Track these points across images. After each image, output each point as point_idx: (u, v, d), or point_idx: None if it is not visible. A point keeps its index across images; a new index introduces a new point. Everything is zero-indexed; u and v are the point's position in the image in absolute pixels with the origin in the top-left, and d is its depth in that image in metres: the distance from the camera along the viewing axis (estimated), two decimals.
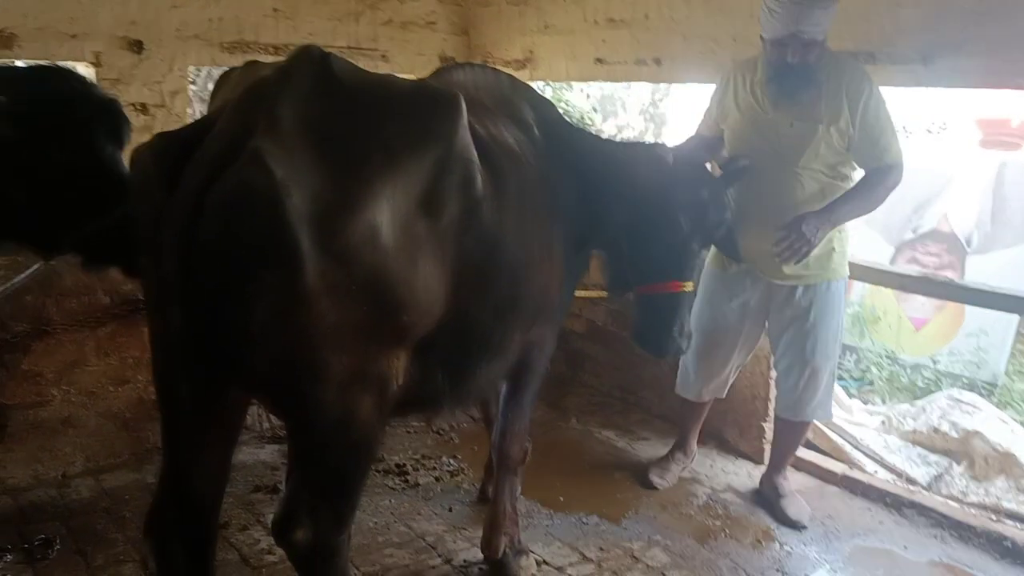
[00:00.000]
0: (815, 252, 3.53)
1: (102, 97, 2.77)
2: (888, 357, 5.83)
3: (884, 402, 5.39)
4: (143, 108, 4.68)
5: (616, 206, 3.17)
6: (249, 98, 2.09)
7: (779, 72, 3.48)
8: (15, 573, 3.23)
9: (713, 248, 3.89)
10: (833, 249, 3.68)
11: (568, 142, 3.18)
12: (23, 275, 3.27)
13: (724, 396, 4.19)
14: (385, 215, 2.09)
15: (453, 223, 2.31)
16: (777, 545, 3.72)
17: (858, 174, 3.65)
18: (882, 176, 3.54)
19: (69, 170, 2.68)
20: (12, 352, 3.78)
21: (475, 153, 2.39)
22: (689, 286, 3.33)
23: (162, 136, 2.17)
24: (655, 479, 4.15)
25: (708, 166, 3.62)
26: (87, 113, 2.71)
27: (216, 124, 2.10)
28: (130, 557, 3.36)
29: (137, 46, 4.64)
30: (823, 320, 3.74)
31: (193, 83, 6.33)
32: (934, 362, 5.88)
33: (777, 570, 3.53)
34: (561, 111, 3.56)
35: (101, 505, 3.75)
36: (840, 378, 5.07)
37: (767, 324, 3.91)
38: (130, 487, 3.89)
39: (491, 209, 2.48)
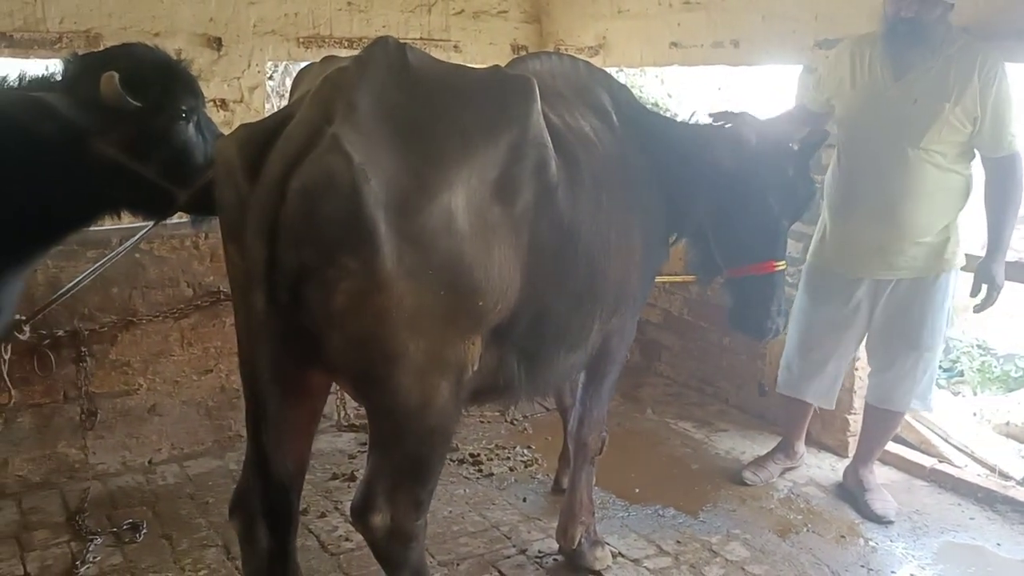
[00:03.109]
0: (929, 242, 3.51)
1: (183, 63, 2.87)
2: (979, 347, 5.60)
3: (975, 394, 5.18)
4: (223, 104, 4.78)
5: (700, 191, 3.11)
6: (328, 88, 2.11)
7: (892, 27, 3.37)
8: (105, 556, 3.34)
9: (814, 242, 3.81)
10: (948, 239, 3.55)
11: (647, 129, 3.13)
12: (105, 260, 3.36)
13: (833, 407, 4.05)
14: (461, 200, 2.09)
15: (528, 208, 2.30)
16: (862, 540, 3.61)
17: (966, 171, 3.52)
18: (1010, 169, 3.42)
19: (175, 133, 2.77)
20: (101, 343, 3.89)
21: (549, 138, 2.37)
22: (783, 264, 3.25)
23: (245, 127, 2.22)
24: (748, 475, 4.05)
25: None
26: (182, 78, 2.81)
27: (296, 114, 2.12)
28: (213, 542, 3.44)
29: (216, 43, 4.74)
30: (931, 310, 3.61)
31: (270, 78, 6.46)
32: None
33: (862, 566, 3.43)
34: (638, 96, 3.51)
35: (186, 491, 3.86)
36: None
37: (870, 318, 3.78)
38: (213, 473, 4.00)
39: (566, 195, 2.46)
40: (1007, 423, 4.44)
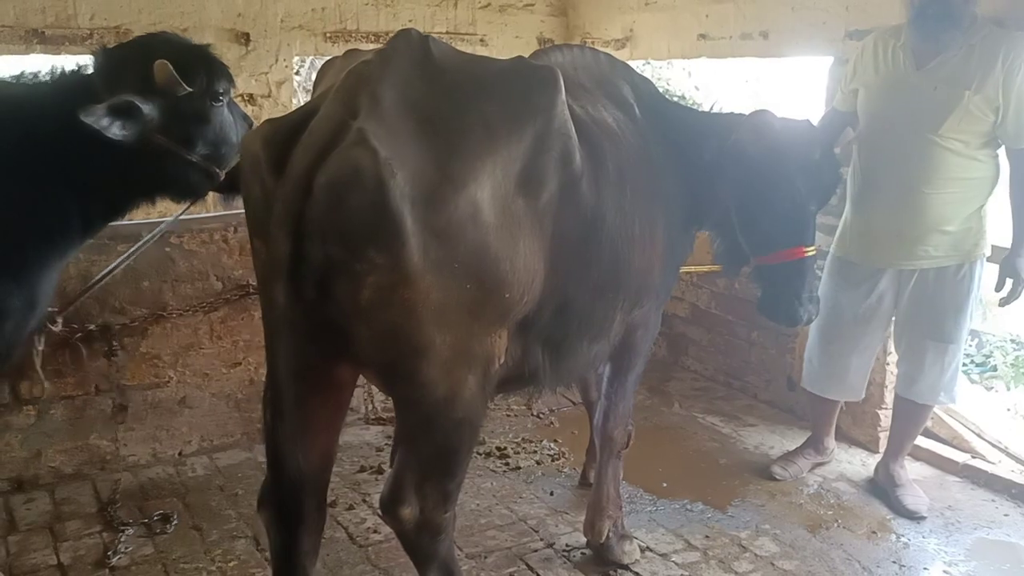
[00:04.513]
0: (951, 231, 3.47)
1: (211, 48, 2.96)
2: (1013, 341, 5.52)
3: (1009, 389, 5.11)
4: (251, 98, 4.83)
5: (724, 179, 3.08)
6: (352, 81, 2.11)
7: (922, 10, 3.33)
8: (136, 546, 3.38)
9: (837, 234, 3.78)
10: (970, 229, 3.51)
11: (669, 119, 3.11)
12: (140, 243, 3.40)
13: (861, 399, 4.02)
14: (486, 192, 2.08)
15: (552, 199, 2.29)
16: (893, 536, 3.56)
17: (991, 160, 3.47)
18: None
19: (214, 115, 2.85)
20: (132, 336, 3.92)
21: (573, 129, 2.36)
22: (812, 250, 3.22)
23: (269, 122, 2.22)
24: (777, 470, 4.02)
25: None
26: (216, 62, 2.87)
27: (321, 108, 2.12)
28: (243, 533, 3.47)
29: (244, 38, 4.78)
30: (955, 302, 3.57)
31: (297, 73, 6.50)
32: None
33: (894, 562, 3.39)
34: (662, 89, 3.49)
35: (215, 483, 3.90)
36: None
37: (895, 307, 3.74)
38: (242, 465, 4.04)
39: (591, 187, 2.46)
40: None
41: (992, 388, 5.12)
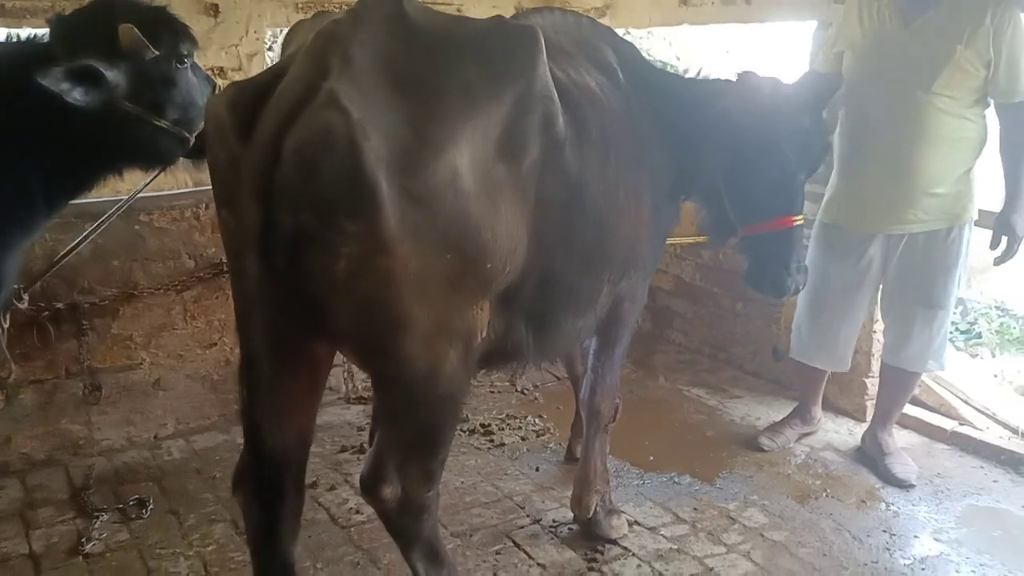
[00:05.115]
0: (941, 193, 3.43)
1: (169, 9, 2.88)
2: (998, 308, 5.52)
3: (994, 355, 5.10)
4: (221, 72, 4.65)
5: (710, 146, 3.00)
6: (322, 42, 2.00)
7: None
8: (111, 532, 3.29)
9: (824, 200, 3.72)
10: (960, 191, 3.47)
11: (654, 85, 3.03)
12: (106, 216, 3.29)
13: (847, 369, 3.98)
14: (465, 157, 1.99)
15: (535, 165, 2.20)
16: (883, 505, 3.54)
17: (980, 120, 3.43)
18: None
19: (180, 78, 2.77)
20: (102, 316, 3.81)
21: (555, 92, 2.27)
22: (800, 219, 3.15)
23: (235, 84, 2.12)
24: (764, 441, 3.99)
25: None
26: (177, 24, 2.78)
27: (289, 69, 2.02)
28: (221, 517, 3.39)
29: (213, 9, 4.61)
30: (944, 266, 3.54)
31: (270, 49, 6.34)
32: None
33: (884, 531, 3.36)
34: (644, 53, 3.40)
35: (192, 466, 3.80)
36: None
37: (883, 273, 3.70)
38: (219, 448, 3.95)
39: (574, 153, 2.37)
40: None
41: (977, 355, 5.11)
